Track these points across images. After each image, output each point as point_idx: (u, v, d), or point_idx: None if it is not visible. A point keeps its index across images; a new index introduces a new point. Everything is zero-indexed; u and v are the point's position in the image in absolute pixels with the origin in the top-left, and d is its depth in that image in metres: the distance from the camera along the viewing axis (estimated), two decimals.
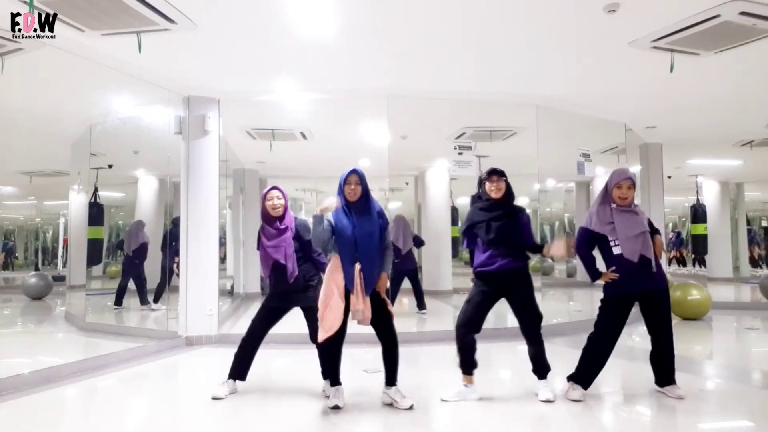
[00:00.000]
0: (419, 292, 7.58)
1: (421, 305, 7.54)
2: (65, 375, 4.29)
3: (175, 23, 4.03)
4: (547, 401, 3.49)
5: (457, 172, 6.50)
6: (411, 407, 3.42)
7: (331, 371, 3.55)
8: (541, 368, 3.61)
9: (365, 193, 3.46)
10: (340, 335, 3.42)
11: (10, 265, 18.59)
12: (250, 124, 7.10)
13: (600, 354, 3.58)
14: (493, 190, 3.61)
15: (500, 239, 3.55)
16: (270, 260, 3.68)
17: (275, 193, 3.70)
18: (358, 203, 3.44)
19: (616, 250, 3.52)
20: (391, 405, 3.48)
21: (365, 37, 4.48)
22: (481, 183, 3.73)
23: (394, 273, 7.09)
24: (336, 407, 3.40)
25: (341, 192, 3.45)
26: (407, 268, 7.44)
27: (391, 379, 3.51)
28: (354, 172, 3.44)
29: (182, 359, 5.08)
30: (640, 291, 3.54)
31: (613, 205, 3.58)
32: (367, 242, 3.38)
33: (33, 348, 5.97)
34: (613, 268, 3.54)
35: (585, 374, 3.61)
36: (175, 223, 6.84)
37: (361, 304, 3.31)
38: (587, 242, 3.63)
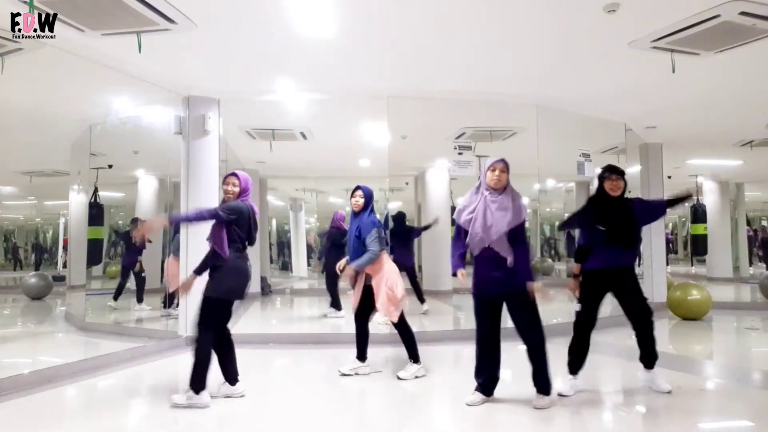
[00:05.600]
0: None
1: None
2: (65, 375, 4.29)
3: (175, 23, 4.03)
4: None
5: (457, 172, 6.49)
6: (393, 376, 4.14)
7: (357, 345, 4.31)
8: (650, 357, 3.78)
9: (366, 206, 4.20)
10: (360, 315, 4.29)
11: (18, 264, 18.54)
12: (250, 124, 7.10)
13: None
14: (612, 189, 3.68)
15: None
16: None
17: (232, 179, 3.83)
18: (360, 214, 4.20)
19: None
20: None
21: (365, 37, 4.48)
22: (600, 181, 3.75)
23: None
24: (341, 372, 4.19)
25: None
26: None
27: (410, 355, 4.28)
28: (358, 187, 4.25)
29: (182, 359, 5.07)
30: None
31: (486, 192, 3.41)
32: (354, 244, 4.19)
33: (33, 348, 5.97)
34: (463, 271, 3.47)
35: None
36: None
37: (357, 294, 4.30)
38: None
